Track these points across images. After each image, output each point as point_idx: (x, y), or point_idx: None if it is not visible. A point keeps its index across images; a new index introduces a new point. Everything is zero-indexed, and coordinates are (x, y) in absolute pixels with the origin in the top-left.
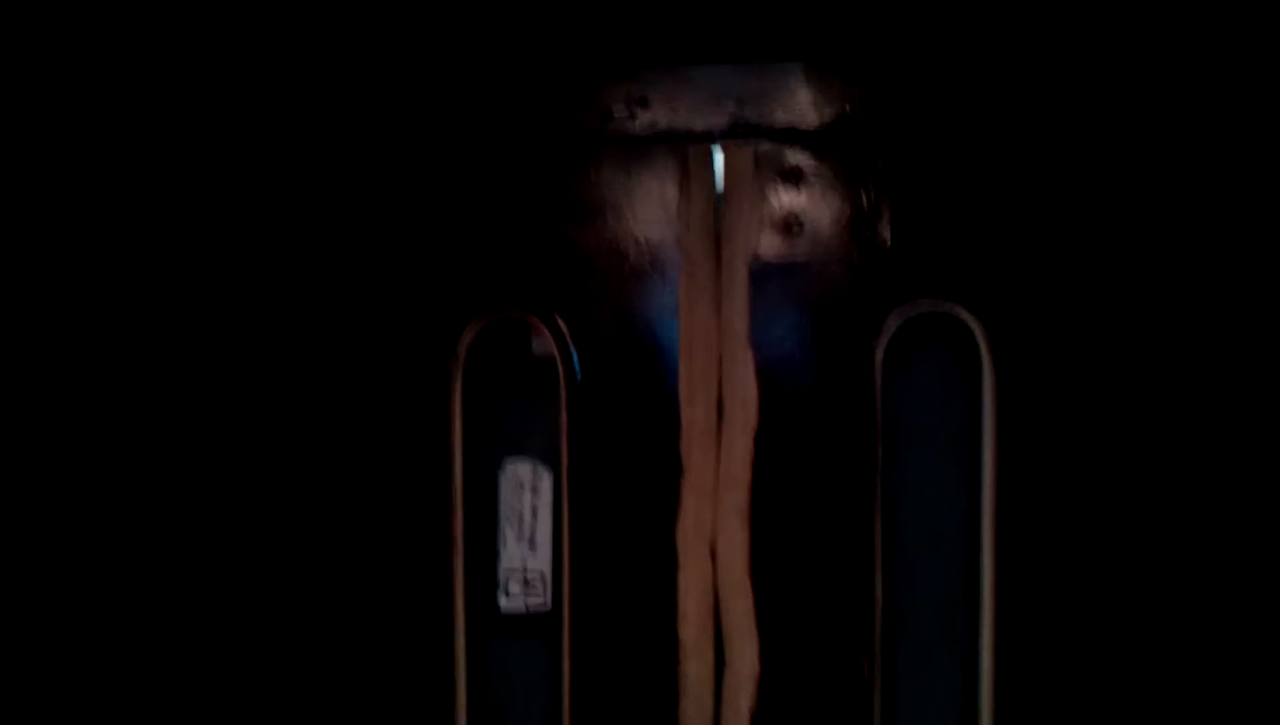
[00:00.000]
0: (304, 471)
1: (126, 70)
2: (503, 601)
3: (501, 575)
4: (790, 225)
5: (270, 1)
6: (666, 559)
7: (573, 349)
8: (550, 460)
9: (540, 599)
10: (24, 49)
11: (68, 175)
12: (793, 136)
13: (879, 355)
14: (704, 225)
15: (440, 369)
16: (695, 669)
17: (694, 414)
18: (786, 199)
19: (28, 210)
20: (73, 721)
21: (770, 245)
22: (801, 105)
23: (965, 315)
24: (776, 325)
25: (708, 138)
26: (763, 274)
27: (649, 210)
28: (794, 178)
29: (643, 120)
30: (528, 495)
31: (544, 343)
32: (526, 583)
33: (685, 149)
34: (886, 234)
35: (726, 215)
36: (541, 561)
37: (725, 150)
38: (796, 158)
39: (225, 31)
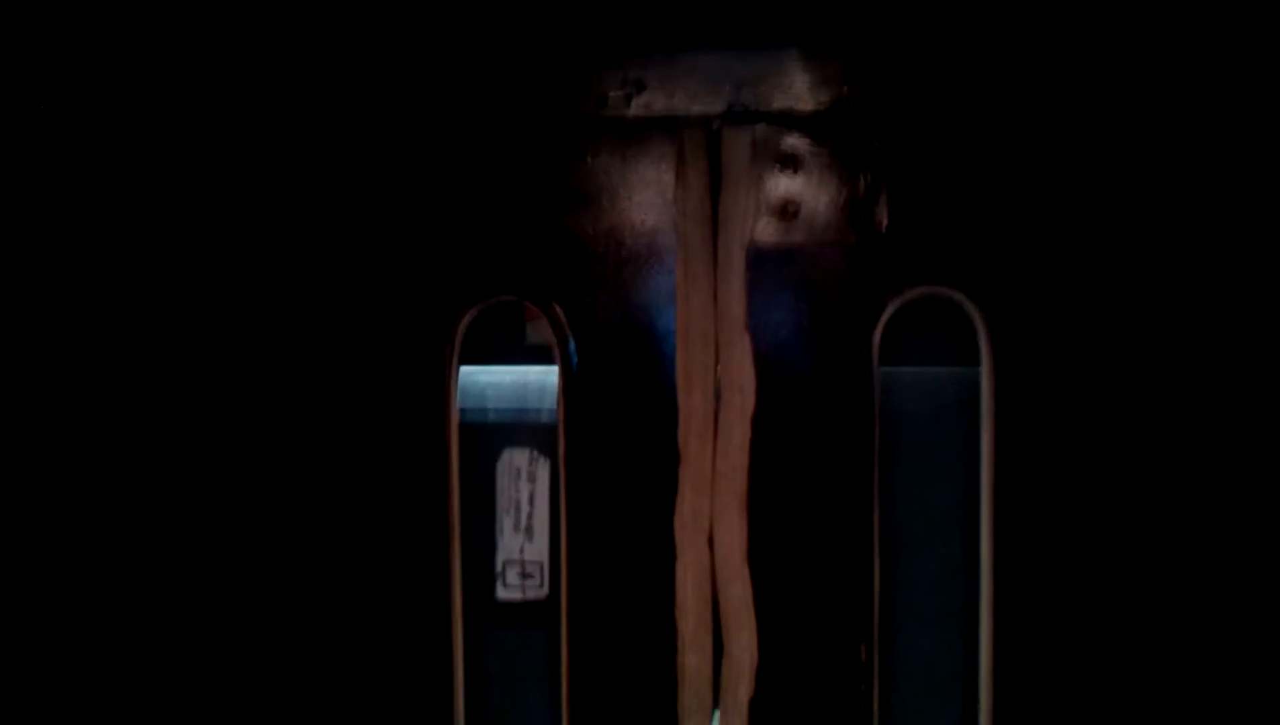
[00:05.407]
0: (299, 460)
1: (117, 55)
2: (500, 590)
3: (499, 564)
4: (787, 210)
5: None
6: (664, 547)
7: (569, 336)
8: (547, 449)
9: (538, 588)
10: (22, 48)
11: (58, 161)
12: (789, 120)
13: (876, 340)
14: (701, 210)
15: (436, 355)
16: (693, 657)
17: (691, 401)
18: (783, 183)
19: (20, 204)
20: (63, 717)
21: (767, 230)
22: (798, 89)
23: (963, 300)
24: (774, 310)
25: (704, 122)
26: (760, 259)
27: (645, 195)
28: (791, 162)
29: (639, 105)
30: (525, 484)
31: (540, 330)
32: (524, 572)
33: (681, 133)
34: (884, 218)
35: (723, 200)
36: (539, 551)
37: (722, 134)
38: (793, 142)
39: (223, 20)
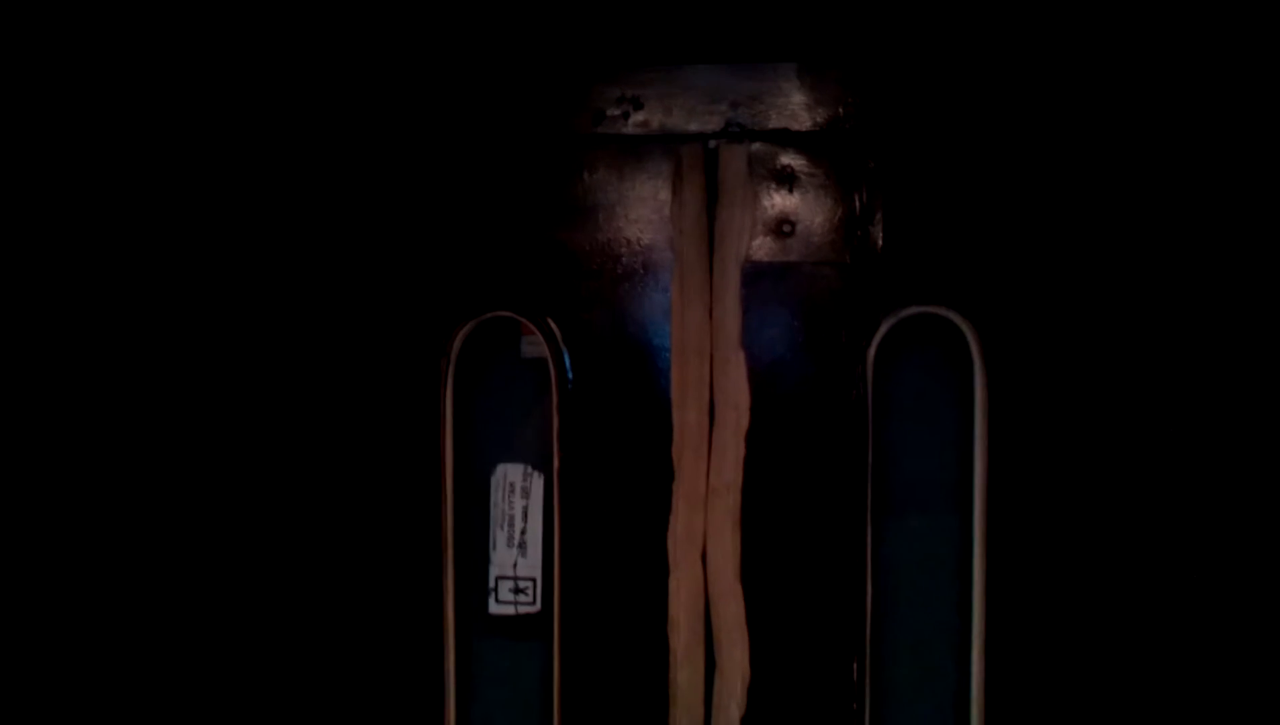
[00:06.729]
0: (293, 473)
1: (118, 65)
2: (493, 605)
3: (492, 579)
4: (783, 227)
5: (267, 4)
6: (657, 563)
7: (564, 351)
8: (541, 463)
9: (530, 603)
10: (24, 48)
11: (64, 171)
12: (786, 138)
13: (870, 357)
14: (697, 227)
15: (431, 370)
16: (685, 674)
17: (686, 417)
18: (779, 201)
19: (24, 207)
20: (58, 720)
21: (763, 247)
22: (795, 106)
23: (956, 318)
24: (768, 327)
25: (701, 139)
26: (755, 276)
27: (641, 212)
28: (787, 179)
29: (635, 121)
30: (519, 498)
31: (535, 345)
32: (517, 587)
33: (678, 150)
34: (879, 236)
35: (719, 217)
36: (532, 565)
37: (719, 152)
38: (789, 159)
39: (220, 34)
